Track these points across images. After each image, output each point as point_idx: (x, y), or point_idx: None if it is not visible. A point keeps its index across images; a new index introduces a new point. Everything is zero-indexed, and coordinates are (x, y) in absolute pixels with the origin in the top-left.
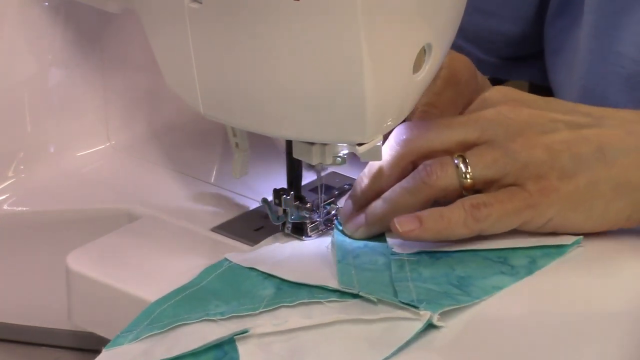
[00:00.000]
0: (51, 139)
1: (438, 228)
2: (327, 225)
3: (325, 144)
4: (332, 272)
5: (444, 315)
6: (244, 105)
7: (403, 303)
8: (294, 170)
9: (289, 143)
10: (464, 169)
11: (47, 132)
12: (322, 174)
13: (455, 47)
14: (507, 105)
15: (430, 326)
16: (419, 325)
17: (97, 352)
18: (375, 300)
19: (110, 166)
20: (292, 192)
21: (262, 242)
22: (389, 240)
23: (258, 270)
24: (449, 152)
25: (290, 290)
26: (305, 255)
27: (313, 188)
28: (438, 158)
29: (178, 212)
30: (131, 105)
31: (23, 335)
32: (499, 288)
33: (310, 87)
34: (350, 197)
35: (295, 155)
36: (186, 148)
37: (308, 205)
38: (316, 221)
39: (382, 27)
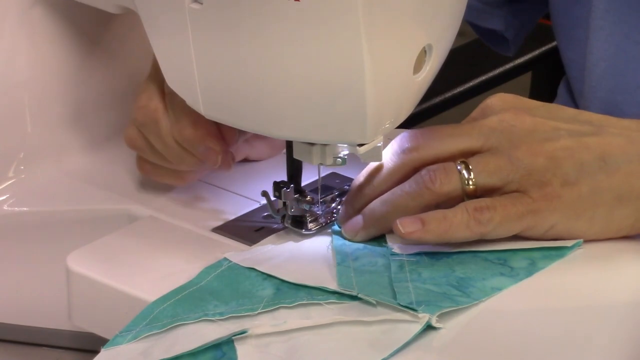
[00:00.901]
0: (51, 139)
1: (440, 230)
2: (327, 218)
3: (325, 145)
4: (332, 274)
5: (442, 316)
6: (244, 105)
7: (402, 305)
8: (294, 164)
9: (289, 143)
10: (467, 176)
11: (47, 132)
12: (322, 174)
13: None
14: (509, 112)
15: (429, 327)
16: (417, 327)
17: (97, 352)
18: (374, 302)
19: (111, 166)
20: (292, 185)
21: (264, 241)
22: (389, 241)
23: (257, 271)
24: (452, 160)
25: (290, 291)
26: (305, 256)
27: (314, 189)
28: (442, 164)
29: (178, 213)
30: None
31: (23, 335)
32: (498, 289)
33: (310, 88)
34: (347, 200)
35: (295, 155)
36: None
37: (308, 198)
38: (316, 214)
39: (382, 28)
